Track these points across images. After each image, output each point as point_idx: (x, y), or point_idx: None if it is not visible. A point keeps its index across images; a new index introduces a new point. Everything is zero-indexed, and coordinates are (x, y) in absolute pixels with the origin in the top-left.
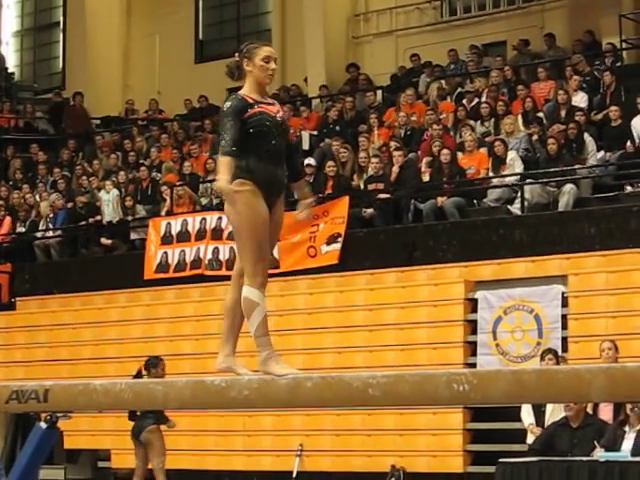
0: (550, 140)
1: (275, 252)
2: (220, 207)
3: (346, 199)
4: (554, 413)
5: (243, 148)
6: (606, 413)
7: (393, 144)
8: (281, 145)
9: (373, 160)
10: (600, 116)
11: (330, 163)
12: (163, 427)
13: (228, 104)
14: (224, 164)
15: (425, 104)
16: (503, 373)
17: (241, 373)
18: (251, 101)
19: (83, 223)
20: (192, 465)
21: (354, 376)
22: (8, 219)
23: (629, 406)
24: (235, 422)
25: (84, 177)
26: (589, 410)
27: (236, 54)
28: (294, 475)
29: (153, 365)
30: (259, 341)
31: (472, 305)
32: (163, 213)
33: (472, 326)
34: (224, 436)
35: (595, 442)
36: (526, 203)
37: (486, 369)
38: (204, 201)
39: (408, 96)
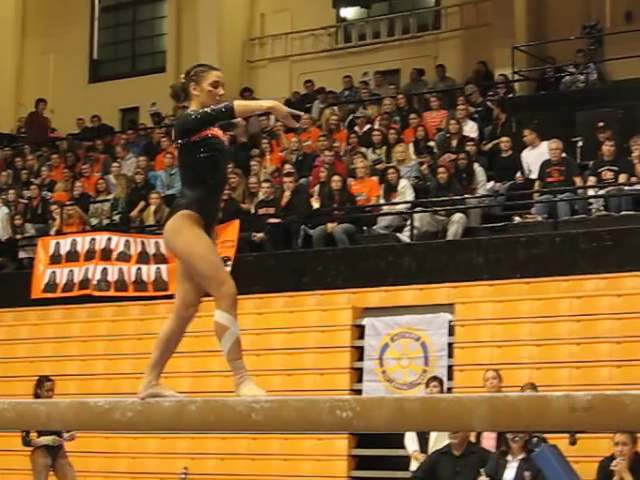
0: (440, 169)
1: (164, 274)
2: (110, 228)
3: (236, 223)
4: (438, 440)
5: (192, 176)
6: (489, 442)
7: (287, 168)
8: (226, 174)
9: (264, 185)
10: (490, 146)
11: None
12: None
13: (192, 109)
14: (246, 103)
15: (319, 129)
16: (386, 400)
17: (167, 395)
18: None
19: None
20: None
21: (238, 400)
22: None
23: (510, 435)
24: (119, 444)
25: None
26: (472, 439)
27: (182, 76)
28: None
29: (39, 385)
30: (231, 364)
31: (359, 331)
32: (52, 232)
33: (359, 352)
34: (108, 458)
35: (480, 470)
36: (415, 231)
37: (369, 396)
38: (94, 221)
39: (304, 121)
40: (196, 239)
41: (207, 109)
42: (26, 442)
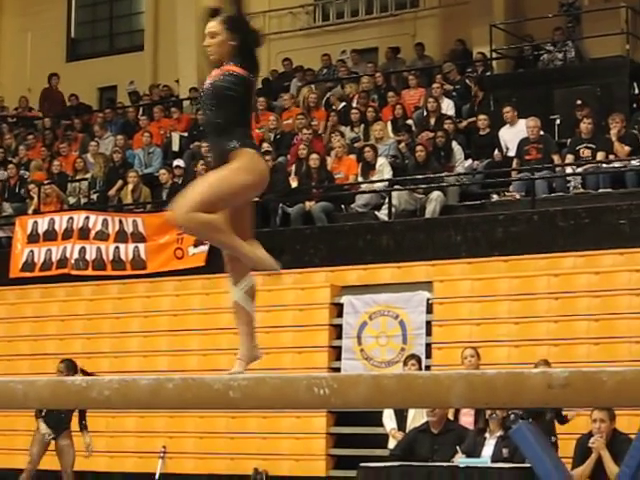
0: (418, 147)
1: (142, 253)
2: (87, 207)
3: None
4: (416, 418)
5: (242, 113)
6: (467, 419)
7: (265, 146)
8: (206, 115)
9: None
10: (466, 124)
11: (201, 162)
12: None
13: None
14: None
15: (297, 108)
16: (363, 378)
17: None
18: None
19: None
20: (53, 466)
21: (215, 378)
22: None
23: (488, 412)
24: (98, 423)
25: None
26: (450, 416)
27: None
28: (157, 477)
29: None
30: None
31: (338, 310)
32: (30, 211)
33: (337, 331)
34: None
35: (457, 447)
36: (393, 209)
37: (346, 374)
38: (72, 200)
39: (285, 100)
40: (259, 183)
41: None
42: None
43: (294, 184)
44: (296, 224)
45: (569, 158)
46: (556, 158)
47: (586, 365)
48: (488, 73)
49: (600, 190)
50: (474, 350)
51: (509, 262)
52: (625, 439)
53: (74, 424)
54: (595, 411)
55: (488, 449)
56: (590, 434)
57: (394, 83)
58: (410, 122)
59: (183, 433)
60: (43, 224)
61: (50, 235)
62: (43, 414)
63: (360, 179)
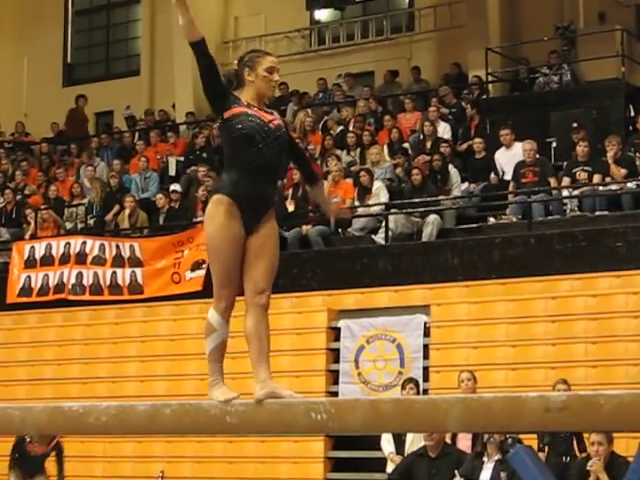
0: (414, 171)
1: (139, 278)
2: (84, 232)
3: None
4: (414, 442)
5: (228, 157)
6: (465, 443)
7: None
8: (272, 157)
9: None
10: (464, 147)
11: (202, 188)
12: None
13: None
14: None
15: (293, 132)
16: (361, 402)
17: (285, 395)
18: (244, 101)
19: None
20: None
21: (212, 403)
22: None
23: (486, 436)
24: (95, 448)
25: None
26: (447, 440)
27: (235, 62)
28: None
29: None
30: (210, 365)
31: (335, 334)
32: (27, 237)
33: (335, 354)
34: (84, 462)
35: (455, 471)
36: (390, 233)
37: (344, 398)
38: (69, 225)
39: None
40: (219, 231)
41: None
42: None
43: (291, 208)
44: (293, 248)
45: (565, 181)
46: (552, 181)
47: (584, 388)
48: (484, 96)
49: (597, 213)
50: (471, 373)
51: (506, 285)
52: (623, 462)
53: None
54: (593, 434)
55: (486, 473)
56: (588, 457)
57: (390, 107)
58: (406, 145)
59: (181, 458)
60: (40, 249)
61: (47, 260)
62: (17, 456)
63: (357, 203)
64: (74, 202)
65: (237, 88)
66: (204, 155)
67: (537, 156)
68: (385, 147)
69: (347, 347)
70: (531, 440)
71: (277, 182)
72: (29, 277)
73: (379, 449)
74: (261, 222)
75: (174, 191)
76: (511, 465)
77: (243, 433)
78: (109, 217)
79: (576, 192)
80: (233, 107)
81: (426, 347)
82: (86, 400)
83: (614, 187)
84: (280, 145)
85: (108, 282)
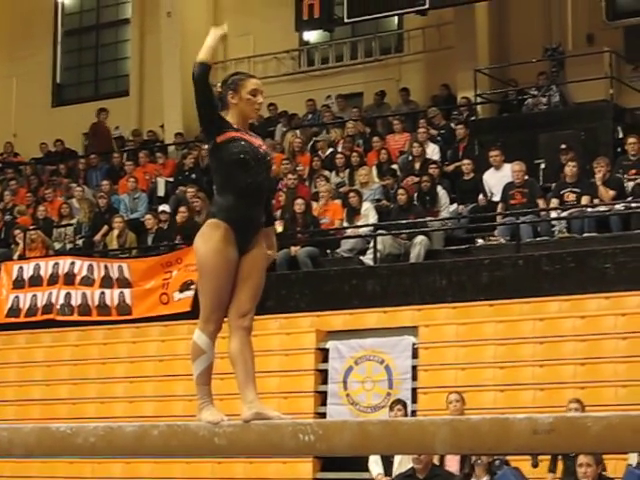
0: (400, 191)
1: (127, 299)
2: (73, 252)
3: None
4: (402, 463)
5: (221, 182)
6: (453, 464)
7: None
8: (263, 182)
9: None
10: (452, 168)
11: (182, 209)
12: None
13: None
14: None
15: (282, 153)
16: (349, 424)
17: (272, 417)
18: (234, 125)
19: None
20: None
21: (200, 425)
22: None
23: (474, 457)
24: (84, 469)
25: None
26: (436, 461)
27: (218, 84)
28: None
29: None
30: (198, 389)
31: (323, 355)
32: (15, 257)
33: (323, 376)
34: None
35: None
36: (378, 254)
37: (332, 420)
38: (57, 246)
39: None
40: (213, 255)
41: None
42: None
43: (279, 229)
44: (281, 269)
45: (554, 202)
46: (541, 202)
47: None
48: (473, 118)
49: (585, 234)
50: (459, 395)
51: (494, 306)
52: None
53: None
54: (581, 455)
55: None
56: (576, 478)
57: (379, 128)
58: (395, 167)
59: (169, 479)
60: (28, 270)
61: (35, 281)
62: None
63: (345, 224)
64: (63, 222)
65: (222, 110)
66: (193, 176)
67: (526, 177)
68: (374, 168)
69: (335, 368)
70: (519, 462)
71: (264, 204)
72: (17, 297)
73: (367, 470)
74: (250, 244)
75: (163, 212)
76: None
77: (231, 454)
78: (98, 237)
79: (564, 213)
80: (227, 132)
81: (414, 368)
82: (75, 421)
83: (602, 208)
84: (268, 169)
85: (96, 303)
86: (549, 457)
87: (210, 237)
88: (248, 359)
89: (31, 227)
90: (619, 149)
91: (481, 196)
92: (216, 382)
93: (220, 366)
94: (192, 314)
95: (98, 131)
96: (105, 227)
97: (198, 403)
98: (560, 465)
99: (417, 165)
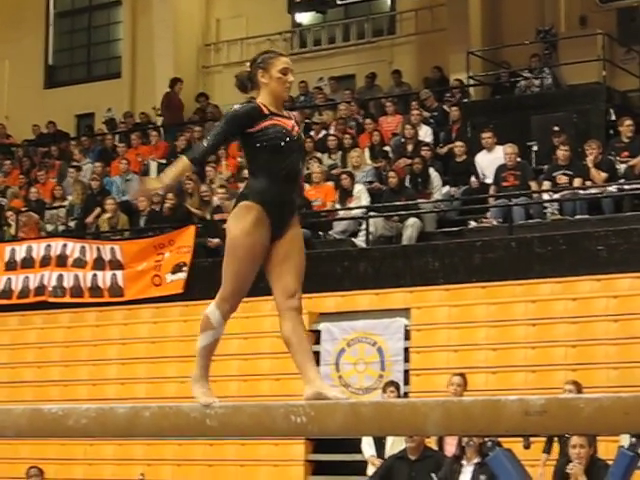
0: (391, 174)
1: (120, 281)
2: (65, 234)
3: (192, 229)
4: (395, 445)
5: (255, 167)
6: (452, 447)
7: (244, 174)
8: (297, 163)
9: (219, 190)
10: (445, 150)
11: (170, 195)
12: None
13: (237, 107)
14: (177, 166)
15: None
16: (341, 405)
17: (331, 397)
18: (266, 111)
19: None
20: None
21: (192, 406)
22: None
23: (465, 439)
24: (76, 450)
25: None
26: (433, 445)
27: (248, 64)
28: None
29: None
30: (198, 359)
31: (315, 337)
32: (8, 238)
33: (315, 357)
34: (64, 464)
35: (433, 475)
36: (370, 236)
37: (324, 402)
38: (49, 227)
39: None
40: (243, 237)
41: (217, 129)
42: None
43: None
44: None
45: (546, 185)
46: (533, 185)
47: (564, 391)
48: (465, 100)
49: (577, 216)
50: (462, 378)
51: (486, 288)
52: (603, 465)
53: None
54: (575, 437)
55: (465, 476)
56: (568, 459)
57: (372, 110)
58: (387, 149)
59: (161, 461)
60: (21, 251)
61: (28, 262)
62: None
63: (338, 206)
64: (55, 204)
65: (251, 90)
66: None
67: (518, 160)
68: (366, 150)
69: (328, 350)
70: (510, 443)
71: (298, 186)
72: (9, 279)
73: (360, 452)
74: (287, 227)
75: (155, 193)
76: (490, 468)
77: (223, 436)
78: (90, 219)
79: (557, 196)
80: (259, 123)
81: (407, 350)
82: (67, 403)
83: (594, 191)
84: (300, 150)
85: (89, 284)
86: (542, 439)
87: (243, 218)
88: (303, 338)
89: (23, 209)
90: (611, 131)
91: (473, 178)
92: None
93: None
94: (184, 296)
95: (171, 102)
96: (97, 209)
97: (194, 373)
98: (555, 447)
99: (409, 147)
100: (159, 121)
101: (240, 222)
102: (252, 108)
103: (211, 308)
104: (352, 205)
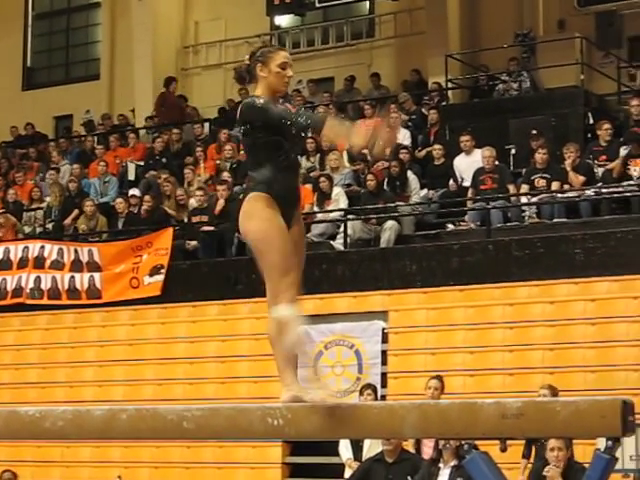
0: (369, 176)
1: (97, 283)
2: (42, 236)
3: (170, 231)
4: (372, 447)
5: (257, 158)
6: (430, 449)
7: (224, 176)
8: (296, 155)
9: (197, 193)
10: (423, 153)
11: (147, 197)
12: None
13: (260, 101)
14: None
15: None
16: (317, 408)
17: (307, 400)
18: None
19: None
20: None
21: (169, 409)
22: None
23: (442, 442)
24: (53, 453)
25: None
26: (411, 448)
27: (247, 57)
28: None
29: None
30: (288, 365)
31: None
32: None
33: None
34: (41, 467)
35: (409, 478)
36: (348, 239)
37: (301, 404)
38: (27, 229)
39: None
40: (268, 224)
41: (284, 114)
42: None
43: None
44: (252, 254)
45: (524, 188)
46: (511, 188)
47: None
48: (443, 103)
49: (555, 220)
50: (440, 382)
51: (464, 292)
52: (580, 468)
53: None
54: (552, 439)
55: (442, 479)
56: (545, 462)
57: (350, 113)
58: (366, 152)
59: (138, 463)
60: None
61: (5, 264)
62: None
63: (316, 209)
64: (33, 206)
65: (250, 83)
66: (163, 160)
67: (496, 163)
68: (345, 153)
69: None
70: (487, 447)
71: (298, 177)
72: None
73: (337, 455)
74: (292, 220)
75: (133, 195)
76: (467, 471)
77: (200, 438)
78: (68, 221)
79: (534, 199)
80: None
81: (384, 353)
82: (44, 405)
83: (572, 194)
84: (300, 141)
85: (66, 286)
86: (519, 442)
87: (257, 209)
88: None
89: (0, 210)
90: (589, 135)
91: (451, 181)
92: (185, 367)
93: (190, 350)
94: (162, 298)
95: (167, 101)
96: (75, 211)
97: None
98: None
99: (388, 150)
100: (137, 123)
101: (255, 214)
102: (265, 99)
103: (279, 310)
104: (330, 208)
